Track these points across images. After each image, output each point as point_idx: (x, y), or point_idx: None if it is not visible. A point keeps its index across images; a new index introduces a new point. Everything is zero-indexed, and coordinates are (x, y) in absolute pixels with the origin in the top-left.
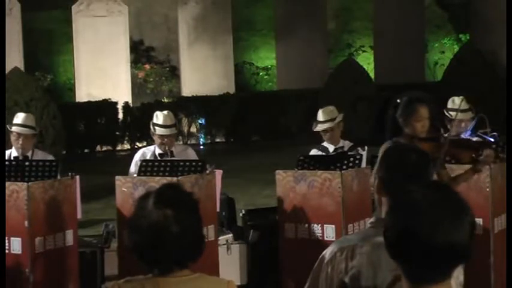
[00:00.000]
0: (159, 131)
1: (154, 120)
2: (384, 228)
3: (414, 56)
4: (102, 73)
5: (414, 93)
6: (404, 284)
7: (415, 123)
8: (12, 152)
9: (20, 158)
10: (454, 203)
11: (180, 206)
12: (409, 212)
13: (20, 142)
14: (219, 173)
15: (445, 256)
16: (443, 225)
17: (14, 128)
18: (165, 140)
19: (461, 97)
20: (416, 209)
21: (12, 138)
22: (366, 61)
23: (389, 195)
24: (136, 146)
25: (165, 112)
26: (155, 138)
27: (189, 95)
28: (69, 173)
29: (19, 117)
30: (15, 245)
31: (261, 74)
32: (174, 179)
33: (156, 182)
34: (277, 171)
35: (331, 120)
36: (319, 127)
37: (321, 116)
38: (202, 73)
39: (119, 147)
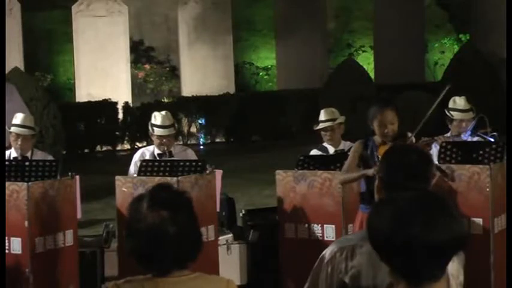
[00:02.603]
0: (157, 131)
1: (153, 121)
2: (369, 233)
3: (414, 56)
4: (102, 73)
5: (413, 93)
6: (400, 285)
7: (376, 126)
8: (11, 153)
9: (19, 158)
10: (443, 204)
11: (174, 207)
12: (392, 213)
13: (19, 143)
14: (219, 173)
15: (439, 253)
16: (431, 224)
17: (12, 129)
18: (164, 140)
19: (463, 97)
20: (400, 210)
21: (11, 138)
22: (366, 61)
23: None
24: (136, 146)
25: (163, 112)
26: (154, 139)
27: (189, 95)
28: (69, 173)
29: (18, 118)
30: (15, 245)
31: (261, 74)
32: (174, 179)
33: (156, 182)
34: (277, 171)
35: (332, 120)
36: (320, 125)
37: (322, 115)
38: (202, 73)
39: (119, 147)
